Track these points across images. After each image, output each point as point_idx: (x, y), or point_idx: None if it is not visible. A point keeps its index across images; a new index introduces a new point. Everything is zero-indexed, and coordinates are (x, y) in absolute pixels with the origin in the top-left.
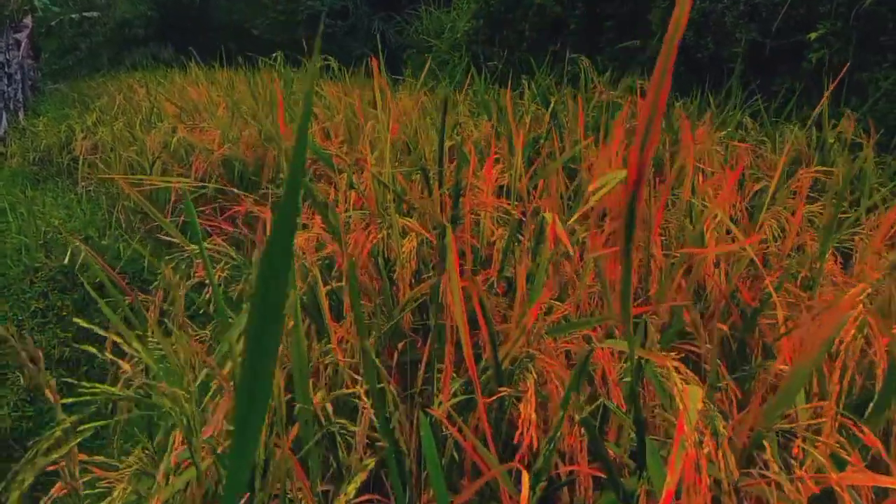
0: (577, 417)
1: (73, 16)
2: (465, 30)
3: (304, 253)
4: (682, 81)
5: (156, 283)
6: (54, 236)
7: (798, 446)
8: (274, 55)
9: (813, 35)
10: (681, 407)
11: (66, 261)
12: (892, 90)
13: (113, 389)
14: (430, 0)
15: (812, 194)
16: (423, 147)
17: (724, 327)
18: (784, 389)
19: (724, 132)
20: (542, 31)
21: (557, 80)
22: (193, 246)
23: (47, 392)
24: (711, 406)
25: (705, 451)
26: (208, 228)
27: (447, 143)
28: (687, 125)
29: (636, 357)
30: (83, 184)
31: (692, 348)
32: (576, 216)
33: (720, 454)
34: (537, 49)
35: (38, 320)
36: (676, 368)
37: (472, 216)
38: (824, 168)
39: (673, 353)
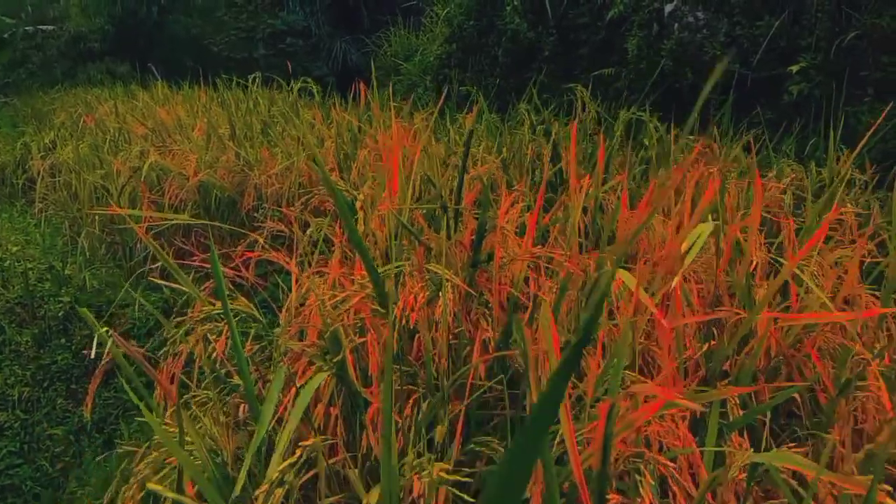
0: None
1: (28, 28)
2: (437, 54)
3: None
4: (661, 109)
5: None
6: (11, 264)
7: None
8: (252, 76)
9: (794, 67)
10: None
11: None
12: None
13: None
14: (395, 22)
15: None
16: (440, 183)
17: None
18: None
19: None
20: (517, 57)
21: (551, 111)
22: (209, 306)
23: None
24: None
25: None
26: (199, 266)
27: (442, 173)
28: (759, 174)
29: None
30: (40, 206)
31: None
32: (673, 283)
33: None
34: (511, 75)
35: None
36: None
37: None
38: (853, 210)
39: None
